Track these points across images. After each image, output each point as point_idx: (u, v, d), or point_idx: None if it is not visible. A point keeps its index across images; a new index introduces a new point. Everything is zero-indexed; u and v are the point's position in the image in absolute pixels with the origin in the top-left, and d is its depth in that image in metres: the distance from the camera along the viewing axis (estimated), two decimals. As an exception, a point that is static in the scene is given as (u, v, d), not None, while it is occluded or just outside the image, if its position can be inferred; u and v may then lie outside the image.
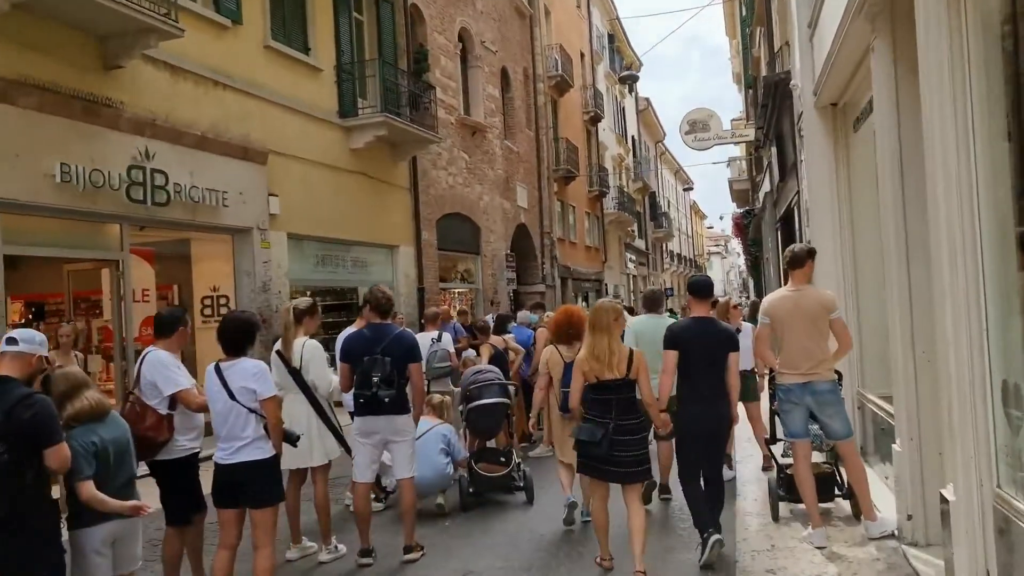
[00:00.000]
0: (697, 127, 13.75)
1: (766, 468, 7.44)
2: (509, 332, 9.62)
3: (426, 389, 8.09)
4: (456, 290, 18.46)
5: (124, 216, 8.80)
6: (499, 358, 8.14)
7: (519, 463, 7.09)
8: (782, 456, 6.14)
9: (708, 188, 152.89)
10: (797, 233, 9.80)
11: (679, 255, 59.45)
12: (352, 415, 5.44)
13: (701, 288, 5.36)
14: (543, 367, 5.99)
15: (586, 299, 29.86)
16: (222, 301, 10.76)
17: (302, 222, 11.88)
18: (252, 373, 4.17)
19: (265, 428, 4.21)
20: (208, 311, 10.73)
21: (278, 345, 5.60)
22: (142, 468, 4.55)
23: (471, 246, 18.71)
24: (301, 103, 12.01)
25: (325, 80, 12.82)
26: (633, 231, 40.07)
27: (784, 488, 5.70)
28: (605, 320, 4.88)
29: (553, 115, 26.51)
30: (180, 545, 4.62)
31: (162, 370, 4.44)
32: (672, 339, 5.07)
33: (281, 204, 11.27)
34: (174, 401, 4.43)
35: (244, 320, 4.45)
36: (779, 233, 12.36)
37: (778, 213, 12.09)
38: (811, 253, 5.38)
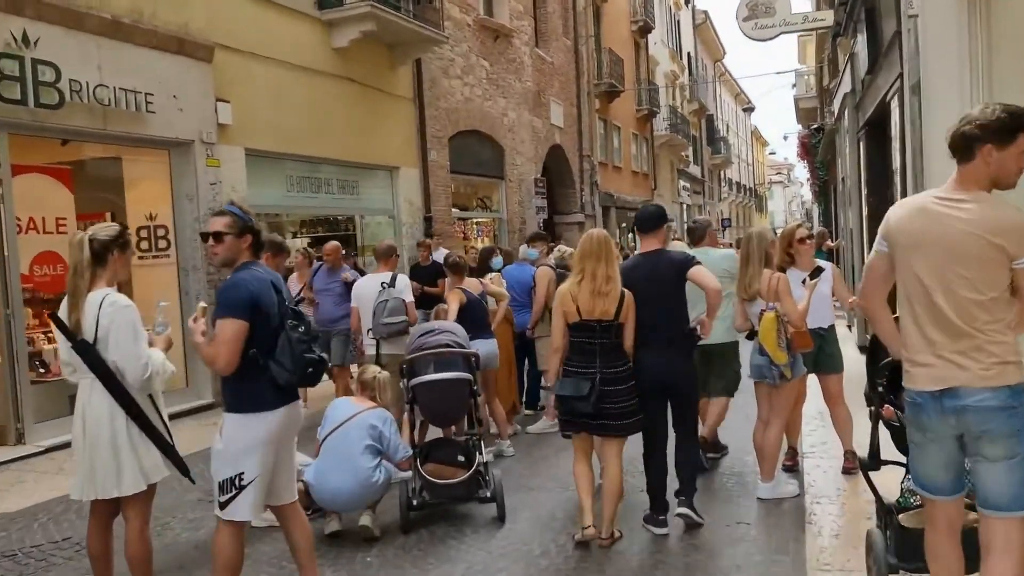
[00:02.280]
0: (759, 11, 11.04)
1: (848, 470, 5.21)
2: (495, 271, 7.36)
3: (375, 353, 6.05)
4: (475, 220, 16.23)
5: (-3, 120, 6.79)
6: (473, 308, 5.88)
7: (487, 463, 4.97)
8: (899, 499, 3.57)
9: (770, 114, 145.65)
10: (893, 137, 7.27)
11: (738, 183, 55.79)
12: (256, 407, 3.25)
13: (647, 219, 4.61)
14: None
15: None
16: (160, 232, 8.75)
17: (266, 136, 9.73)
18: None
19: None
20: (145, 244, 8.73)
21: (63, 305, 3.49)
22: None
23: (493, 169, 16.29)
24: (263, -12, 9.74)
25: (297, -41, 10.47)
26: (687, 156, 36.90)
27: (896, 550, 3.29)
28: (605, 247, 4.32)
29: (596, 23, 23.60)
30: None
31: None
32: None
33: (235, 113, 9.12)
34: None
35: None
36: (861, 144, 9.74)
37: (862, 118, 9.45)
38: (1013, 123, 2.53)
